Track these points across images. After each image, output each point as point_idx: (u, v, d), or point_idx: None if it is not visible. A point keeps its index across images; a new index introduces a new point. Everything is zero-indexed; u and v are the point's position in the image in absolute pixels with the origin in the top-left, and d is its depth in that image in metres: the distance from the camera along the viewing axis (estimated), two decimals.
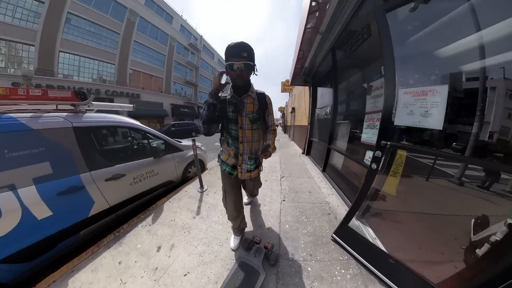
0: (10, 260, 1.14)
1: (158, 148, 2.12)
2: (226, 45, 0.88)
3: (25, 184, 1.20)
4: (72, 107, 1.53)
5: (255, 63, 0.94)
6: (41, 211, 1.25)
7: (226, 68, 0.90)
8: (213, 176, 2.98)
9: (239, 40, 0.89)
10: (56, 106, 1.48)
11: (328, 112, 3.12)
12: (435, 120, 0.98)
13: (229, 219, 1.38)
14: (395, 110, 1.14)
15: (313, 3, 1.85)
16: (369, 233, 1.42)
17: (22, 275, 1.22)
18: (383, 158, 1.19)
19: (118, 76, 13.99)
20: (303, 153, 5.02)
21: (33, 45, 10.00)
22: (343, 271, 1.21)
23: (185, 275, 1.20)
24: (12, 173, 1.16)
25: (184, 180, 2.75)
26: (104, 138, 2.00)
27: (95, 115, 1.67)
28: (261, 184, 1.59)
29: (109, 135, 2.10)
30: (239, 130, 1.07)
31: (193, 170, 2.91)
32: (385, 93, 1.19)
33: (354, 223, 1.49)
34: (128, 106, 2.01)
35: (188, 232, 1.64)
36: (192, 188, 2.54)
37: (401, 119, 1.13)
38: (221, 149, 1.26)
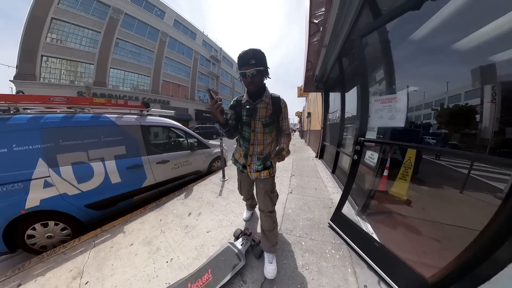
0: (90, 207, 1.71)
1: (194, 144, 2.75)
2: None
3: (109, 158, 1.79)
4: (138, 111, 2.17)
5: (268, 66, 0.97)
6: (115, 178, 1.82)
7: (240, 77, 0.98)
8: (233, 171, 3.40)
9: (247, 49, 0.92)
10: (130, 110, 2.13)
11: (338, 116, 3.31)
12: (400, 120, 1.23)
13: (243, 200, 1.71)
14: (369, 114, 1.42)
15: (313, 25, 2.07)
16: (367, 228, 1.48)
17: (94, 219, 1.79)
18: (378, 155, 1.45)
19: (152, 86, 16.22)
20: (316, 156, 5.12)
21: (93, 64, 12.49)
22: (333, 251, 1.35)
23: (207, 232, 1.62)
24: (103, 150, 1.76)
25: (209, 172, 3.30)
26: (156, 133, 2.67)
27: (152, 118, 2.31)
28: (277, 195, 1.31)
29: (158, 132, 2.75)
30: (252, 133, 1.10)
31: (217, 164, 3.46)
32: (360, 101, 1.47)
33: (354, 218, 1.63)
34: (170, 112, 2.66)
35: (211, 206, 2.07)
36: (215, 178, 3.02)
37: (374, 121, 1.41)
38: (235, 148, 1.31)
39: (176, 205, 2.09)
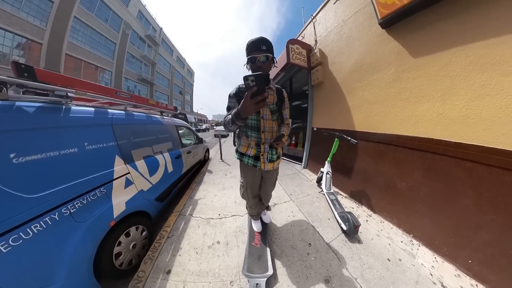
0: (158, 199, 1.75)
1: (199, 138, 3.43)
2: (247, 42, 0.91)
3: (165, 151, 2.07)
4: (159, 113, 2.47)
5: (274, 56, 0.94)
6: (170, 167, 2.14)
7: (248, 62, 0.92)
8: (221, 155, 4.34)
9: (257, 36, 0.89)
10: (161, 113, 2.39)
11: None
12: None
13: (249, 207, 1.42)
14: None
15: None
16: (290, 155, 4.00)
17: (159, 213, 1.80)
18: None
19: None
20: None
21: None
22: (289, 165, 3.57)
23: None
24: (161, 145, 2.02)
25: (205, 160, 4.16)
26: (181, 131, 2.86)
27: (176, 119, 2.71)
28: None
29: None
30: (261, 120, 1.04)
31: (207, 154, 4.41)
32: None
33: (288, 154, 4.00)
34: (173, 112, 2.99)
35: (233, 168, 3.24)
36: (214, 161, 4.01)
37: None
38: (238, 142, 1.20)
39: (210, 177, 2.87)
